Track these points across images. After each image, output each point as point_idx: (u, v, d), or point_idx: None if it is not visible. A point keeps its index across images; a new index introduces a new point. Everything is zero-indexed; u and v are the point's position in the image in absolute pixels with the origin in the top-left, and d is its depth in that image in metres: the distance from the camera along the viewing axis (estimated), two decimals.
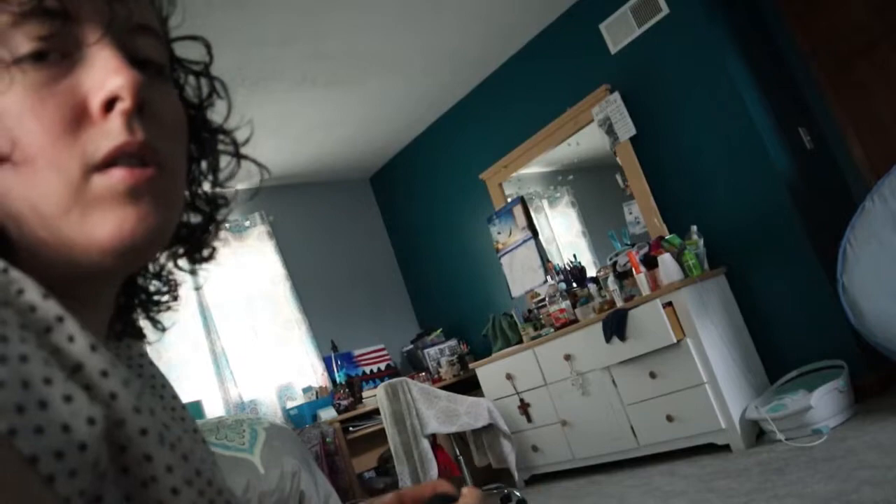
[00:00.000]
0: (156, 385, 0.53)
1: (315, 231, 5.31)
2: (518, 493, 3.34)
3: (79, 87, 0.39)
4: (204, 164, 0.54)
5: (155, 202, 0.40)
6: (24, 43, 0.37)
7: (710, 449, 3.21)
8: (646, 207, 3.79)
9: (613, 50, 3.90)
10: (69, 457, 0.29)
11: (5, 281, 0.32)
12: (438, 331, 5.11)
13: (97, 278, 0.42)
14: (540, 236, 4.30)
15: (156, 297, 0.54)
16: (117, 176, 0.39)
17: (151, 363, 0.54)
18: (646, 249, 3.57)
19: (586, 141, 4.13)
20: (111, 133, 0.39)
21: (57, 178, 0.37)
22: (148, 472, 0.35)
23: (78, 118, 0.38)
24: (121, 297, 0.49)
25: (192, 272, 0.54)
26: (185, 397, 4.20)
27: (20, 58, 0.37)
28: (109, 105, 0.39)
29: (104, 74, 0.39)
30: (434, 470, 3.57)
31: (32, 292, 0.32)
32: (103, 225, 0.38)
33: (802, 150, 3.54)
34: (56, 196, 0.38)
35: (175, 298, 0.55)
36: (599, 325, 3.43)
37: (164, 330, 0.55)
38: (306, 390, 4.63)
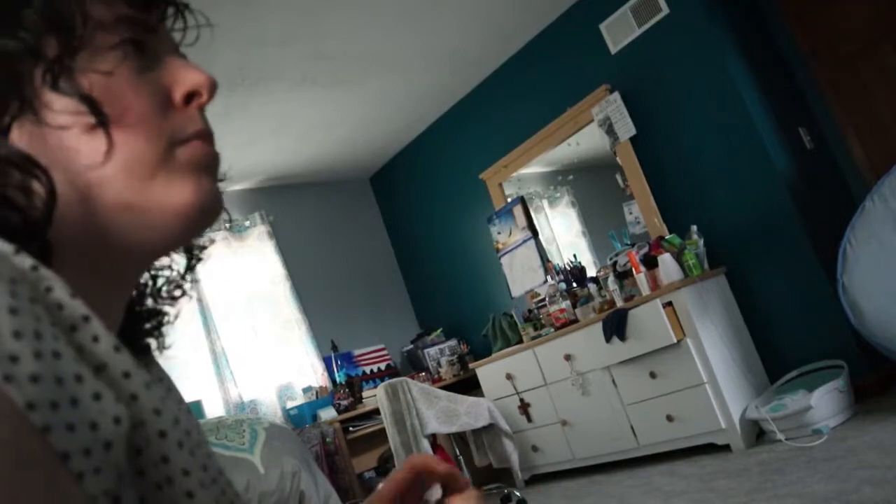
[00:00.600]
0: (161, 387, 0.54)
1: (315, 231, 5.31)
2: (518, 493, 3.34)
3: (162, 80, 0.46)
4: None
5: (216, 179, 0.48)
6: (125, 33, 0.45)
7: (710, 449, 3.21)
8: (646, 207, 3.79)
9: (613, 50, 3.90)
10: (96, 455, 0.30)
11: (35, 278, 0.32)
12: (438, 331, 5.11)
13: (137, 262, 0.47)
14: (540, 236, 4.30)
15: (156, 318, 0.56)
16: (199, 147, 0.46)
17: (158, 366, 0.56)
18: (646, 249, 3.57)
19: (586, 141, 4.13)
20: (193, 119, 0.46)
21: (151, 144, 0.44)
22: (164, 474, 0.35)
23: (165, 103, 0.45)
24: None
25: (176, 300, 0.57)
26: (185, 397, 4.20)
27: (125, 40, 0.44)
28: (188, 98, 0.46)
29: (185, 73, 0.47)
30: None
31: (60, 290, 0.33)
32: (185, 188, 0.45)
33: (802, 150, 3.54)
34: (149, 159, 0.44)
35: (165, 318, 0.57)
36: (599, 325, 3.43)
37: (165, 348, 0.57)
38: (306, 390, 4.63)
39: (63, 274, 0.34)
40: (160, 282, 0.55)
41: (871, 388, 3.12)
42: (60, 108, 0.41)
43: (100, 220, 0.43)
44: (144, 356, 0.54)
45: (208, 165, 0.47)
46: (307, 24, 3.38)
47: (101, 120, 0.41)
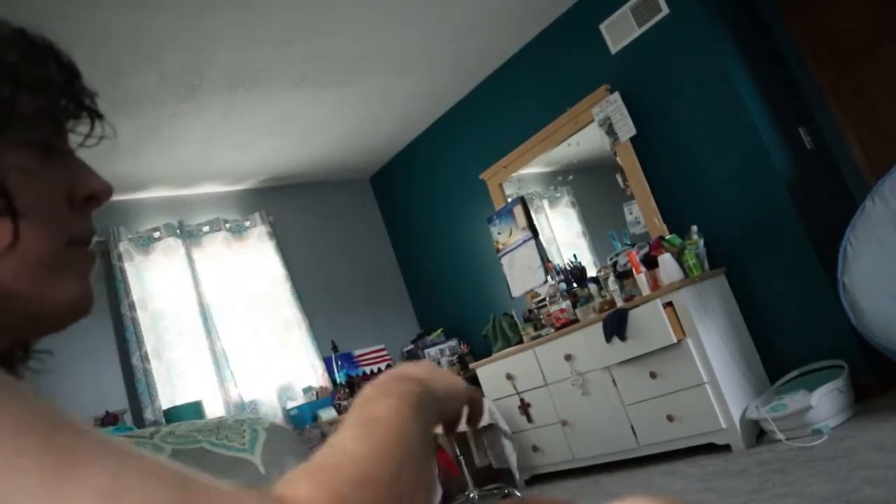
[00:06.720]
0: None
1: (315, 231, 5.31)
2: (519, 494, 3.35)
3: (68, 179, 0.49)
4: None
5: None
6: (42, 131, 0.47)
7: (710, 449, 3.21)
8: (646, 207, 3.79)
9: (613, 50, 3.90)
10: None
11: None
12: (439, 331, 5.11)
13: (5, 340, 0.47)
14: (540, 236, 4.30)
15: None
16: (86, 253, 0.50)
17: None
18: (646, 249, 3.57)
19: (586, 141, 4.13)
20: (88, 221, 0.51)
21: (53, 240, 0.46)
22: None
23: (68, 198, 0.48)
24: None
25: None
26: (186, 397, 4.20)
27: (40, 142, 0.46)
28: (87, 200, 0.50)
29: (91, 178, 0.50)
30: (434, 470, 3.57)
31: None
32: (73, 287, 0.47)
33: (802, 151, 3.54)
34: (48, 255, 0.45)
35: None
36: (599, 325, 3.43)
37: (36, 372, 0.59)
38: (307, 390, 4.63)
39: None
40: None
41: (871, 388, 3.12)
42: None
43: None
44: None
45: (92, 269, 0.51)
46: (307, 24, 3.38)
47: (14, 213, 0.42)
